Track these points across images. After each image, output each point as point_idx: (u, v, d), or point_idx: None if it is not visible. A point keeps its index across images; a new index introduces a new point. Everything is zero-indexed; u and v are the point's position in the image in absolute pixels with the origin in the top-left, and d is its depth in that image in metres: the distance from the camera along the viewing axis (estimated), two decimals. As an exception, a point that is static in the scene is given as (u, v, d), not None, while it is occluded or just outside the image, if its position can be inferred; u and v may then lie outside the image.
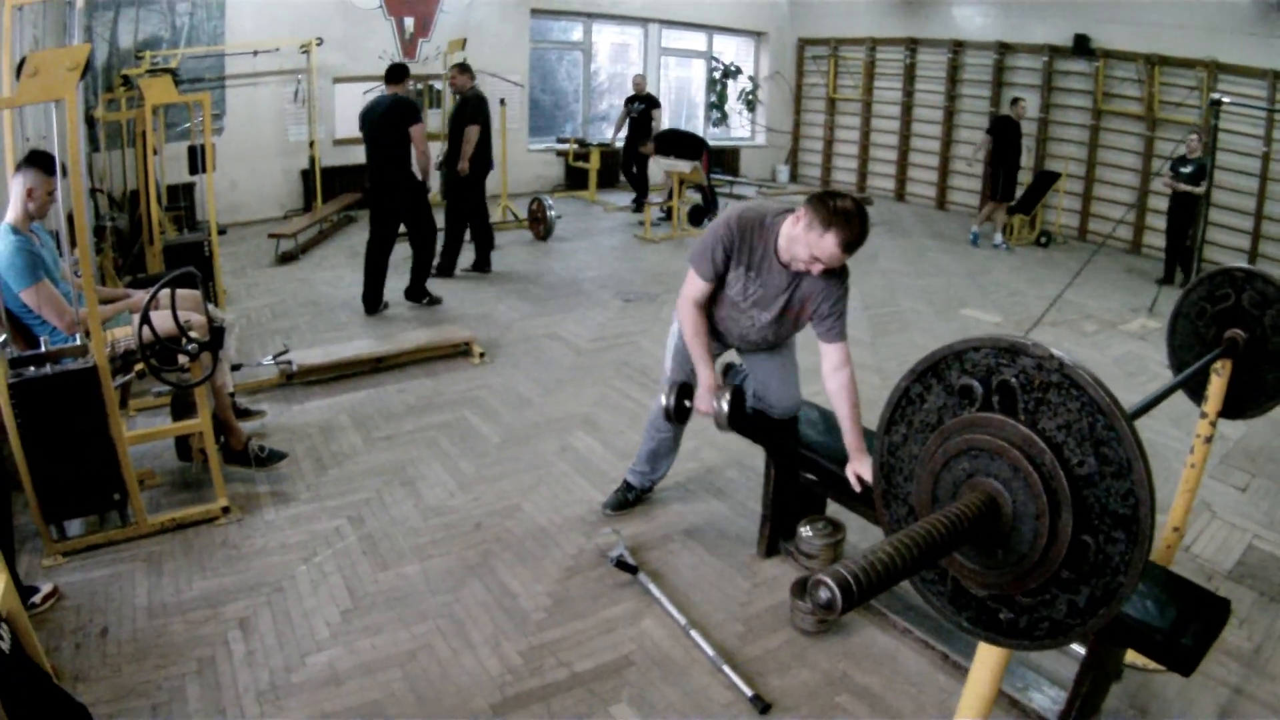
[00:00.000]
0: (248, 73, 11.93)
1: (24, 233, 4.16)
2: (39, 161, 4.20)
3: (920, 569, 1.46)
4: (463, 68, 9.25)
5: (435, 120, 12.74)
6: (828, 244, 3.37)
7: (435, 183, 9.93)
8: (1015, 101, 12.09)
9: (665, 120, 13.85)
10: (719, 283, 3.83)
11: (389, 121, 7.70)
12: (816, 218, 3.39)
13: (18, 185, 4.14)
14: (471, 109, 9.08)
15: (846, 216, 3.36)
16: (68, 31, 5.43)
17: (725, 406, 3.78)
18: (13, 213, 4.16)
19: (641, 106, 13.15)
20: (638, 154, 13.23)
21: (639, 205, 13.38)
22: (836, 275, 3.63)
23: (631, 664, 3.50)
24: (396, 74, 7.97)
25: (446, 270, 9.41)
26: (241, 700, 3.25)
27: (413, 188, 8.00)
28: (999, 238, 12.50)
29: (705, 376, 3.90)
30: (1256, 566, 4.46)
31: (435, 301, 8.52)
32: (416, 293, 8.50)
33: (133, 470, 4.17)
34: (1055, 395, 1.57)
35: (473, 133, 8.97)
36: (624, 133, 13.61)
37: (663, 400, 3.99)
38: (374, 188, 8.12)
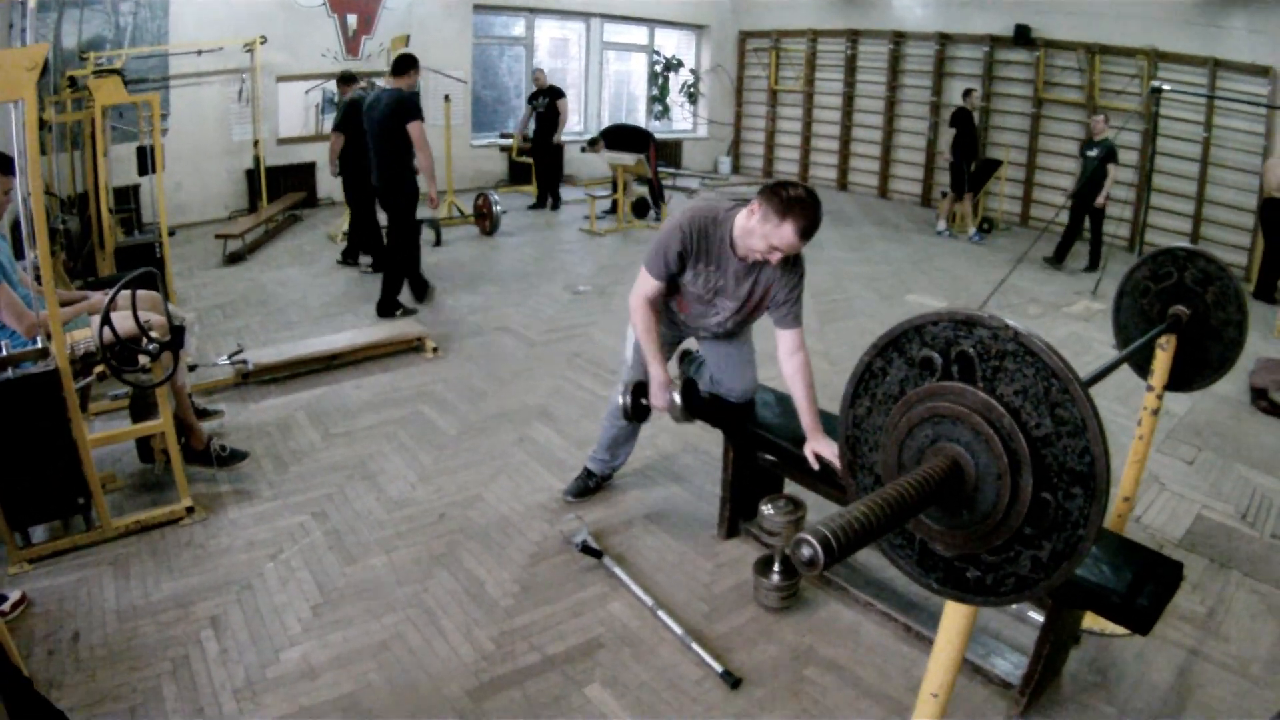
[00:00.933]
0: (191, 72, 11.78)
1: (-20, 237, 4.12)
2: None
3: (892, 527, 1.53)
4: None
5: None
6: (785, 233, 3.44)
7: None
8: (968, 93, 12.25)
9: (596, 115, 13.82)
10: (672, 282, 3.89)
11: (388, 118, 7.35)
12: (771, 208, 3.46)
13: None
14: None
15: (801, 204, 3.43)
16: (18, 33, 5.36)
17: (679, 399, 3.89)
18: None
19: (546, 100, 13.00)
20: (546, 148, 13.22)
21: (543, 203, 13.50)
22: (792, 263, 3.72)
23: (602, 645, 3.56)
24: (402, 65, 7.58)
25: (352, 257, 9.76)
26: (219, 697, 3.26)
27: (405, 189, 7.62)
28: (943, 225, 12.75)
29: (657, 373, 3.96)
30: (1205, 535, 4.63)
31: (410, 312, 8.00)
32: (387, 306, 7.92)
33: (96, 473, 4.14)
34: (1011, 363, 1.65)
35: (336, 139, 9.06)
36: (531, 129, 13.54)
37: (619, 400, 4.08)
38: (375, 189, 7.90)
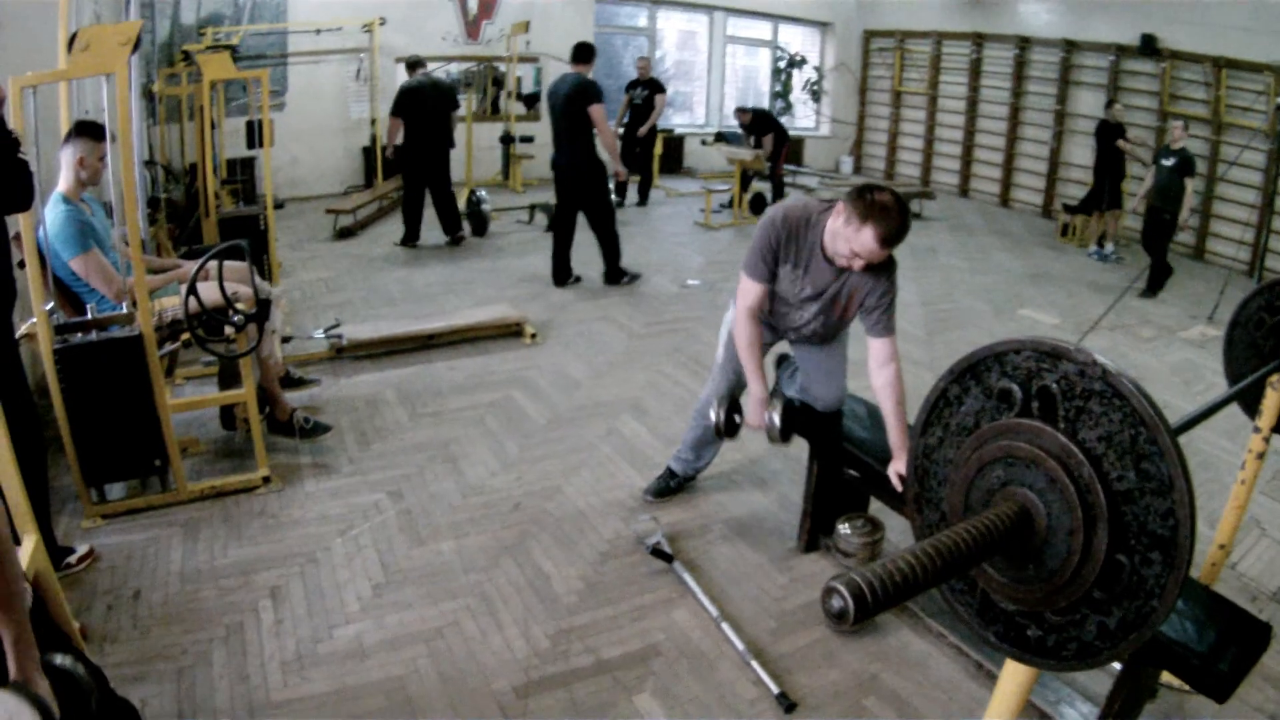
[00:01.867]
0: (310, 50, 12.03)
1: (75, 202, 4.20)
2: (87, 130, 4.24)
3: (944, 580, 1.42)
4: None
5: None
6: (865, 238, 3.30)
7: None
8: (1110, 104, 11.60)
9: (720, 108, 13.47)
10: (772, 282, 3.78)
11: (570, 101, 7.86)
12: (854, 212, 3.31)
13: (68, 155, 4.18)
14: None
15: (884, 210, 3.27)
16: (125, 7, 5.49)
17: (777, 420, 3.72)
18: (64, 182, 4.21)
19: (645, 91, 12.51)
20: (638, 141, 12.61)
21: (621, 193, 12.24)
22: (884, 269, 3.56)
23: (659, 654, 3.47)
24: (582, 53, 8.09)
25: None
26: (266, 668, 3.27)
27: (592, 169, 8.15)
28: (1097, 246, 11.89)
29: (756, 389, 3.83)
30: (1306, 588, 4.34)
31: (635, 277, 8.76)
32: (614, 275, 8.66)
33: (174, 437, 4.21)
34: (1097, 404, 1.51)
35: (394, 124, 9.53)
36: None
37: (711, 415, 3.92)
38: (558, 167, 8.29)
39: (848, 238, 3.36)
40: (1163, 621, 1.45)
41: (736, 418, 3.90)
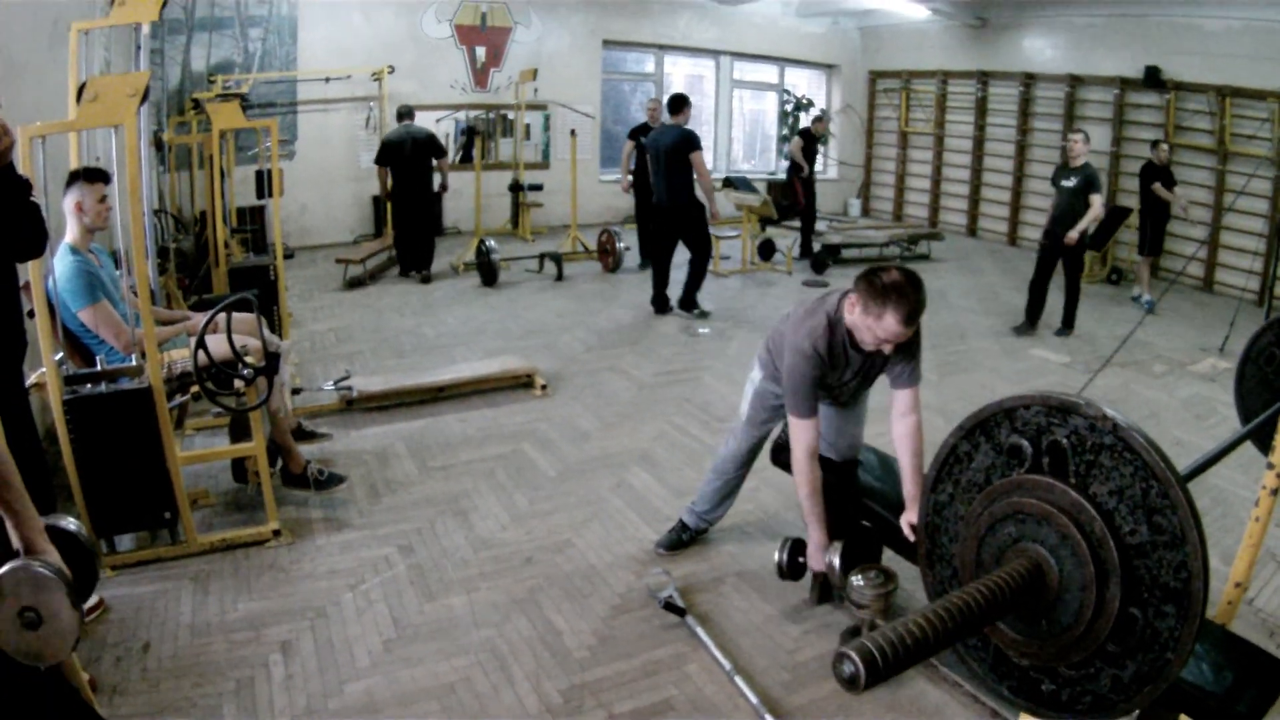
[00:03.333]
0: (319, 99, 12.15)
1: (83, 252, 4.23)
2: (82, 175, 4.27)
3: (956, 641, 1.40)
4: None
5: (506, 149, 13.02)
6: (889, 324, 3.28)
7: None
8: (1155, 145, 11.16)
9: (727, 153, 13.48)
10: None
11: (675, 150, 8.92)
12: (870, 299, 3.31)
13: (69, 202, 4.21)
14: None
15: (898, 289, 3.26)
16: (134, 56, 5.57)
17: (838, 563, 3.73)
18: (70, 233, 4.24)
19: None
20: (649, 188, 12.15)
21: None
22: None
23: (672, 709, 3.43)
24: (676, 104, 9.12)
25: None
26: (277, 723, 3.25)
27: (694, 208, 9.15)
28: (1142, 292, 11.21)
29: (817, 536, 3.81)
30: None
31: (704, 314, 9.40)
32: (689, 303, 9.46)
33: (184, 489, 4.22)
34: (1108, 458, 1.50)
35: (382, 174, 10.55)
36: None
37: (775, 556, 3.99)
38: (659, 207, 9.33)
39: (870, 327, 3.35)
40: (1178, 674, 1.43)
41: (800, 560, 3.94)
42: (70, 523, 2.03)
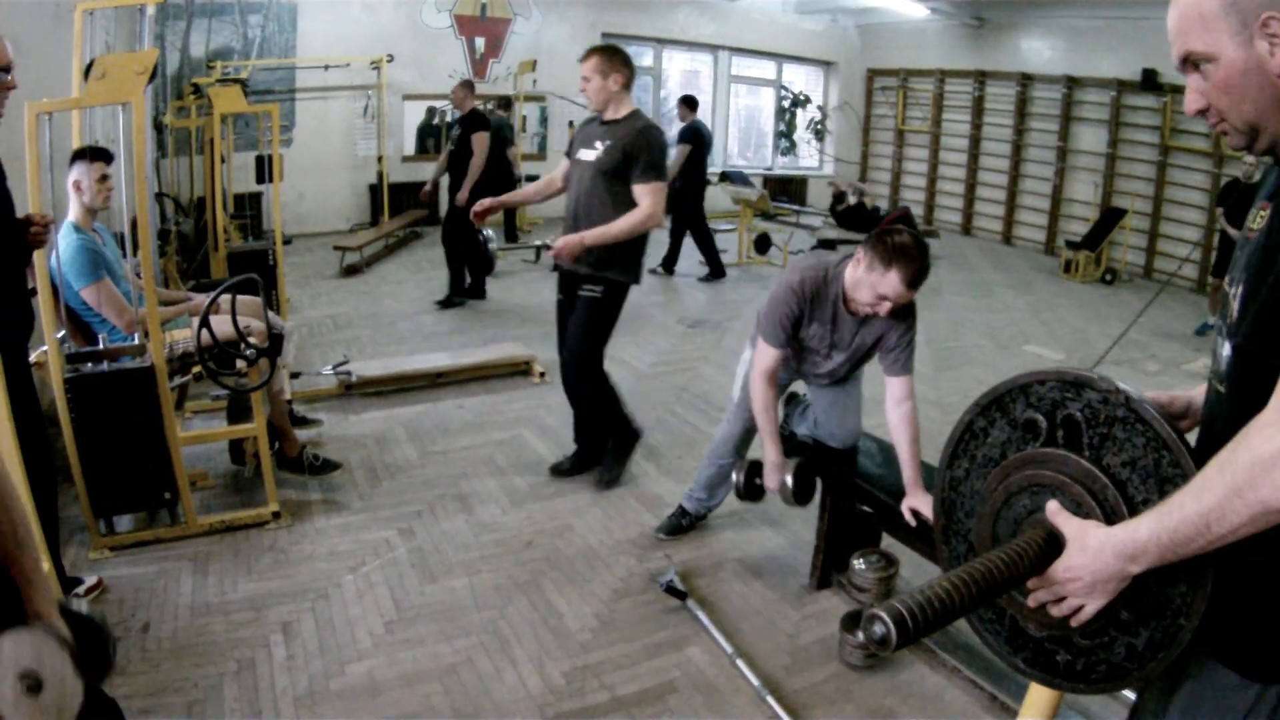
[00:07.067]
0: (318, 86, 12.14)
1: (86, 231, 4.22)
2: (82, 154, 4.25)
3: (978, 606, 1.42)
4: (465, 84, 9.12)
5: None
6: (892, 281, 3.32)
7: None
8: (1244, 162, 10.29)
9: (723, 148, 13.57)
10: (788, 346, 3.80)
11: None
12: (876, 256, 3.34)
13: (68, 182, 4.21)
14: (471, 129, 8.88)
15: (906, 251, 3.31)
16: (138, 38, 5.57)
17: (790, 482, 3.78)
18: (73, 211, 4.23)
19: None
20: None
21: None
22: (905, 311, 3.58)
23: (675, 690, 3.44)
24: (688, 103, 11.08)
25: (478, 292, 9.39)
26: (278, 703, 3.25)
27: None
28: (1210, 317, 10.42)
29: (772, 454, 3.86)
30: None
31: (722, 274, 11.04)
32: (716, 273, 11.03)
33: (185, 470, 4.22)
34: (1121, 430, 1.52)
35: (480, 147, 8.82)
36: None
37: (733, 477, 4.01)
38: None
39: (873, 284, 3.37)
40: (1189, 638, 1.45)
41: (757, 480, 3.95)
42: (84, 605, 2.02)
